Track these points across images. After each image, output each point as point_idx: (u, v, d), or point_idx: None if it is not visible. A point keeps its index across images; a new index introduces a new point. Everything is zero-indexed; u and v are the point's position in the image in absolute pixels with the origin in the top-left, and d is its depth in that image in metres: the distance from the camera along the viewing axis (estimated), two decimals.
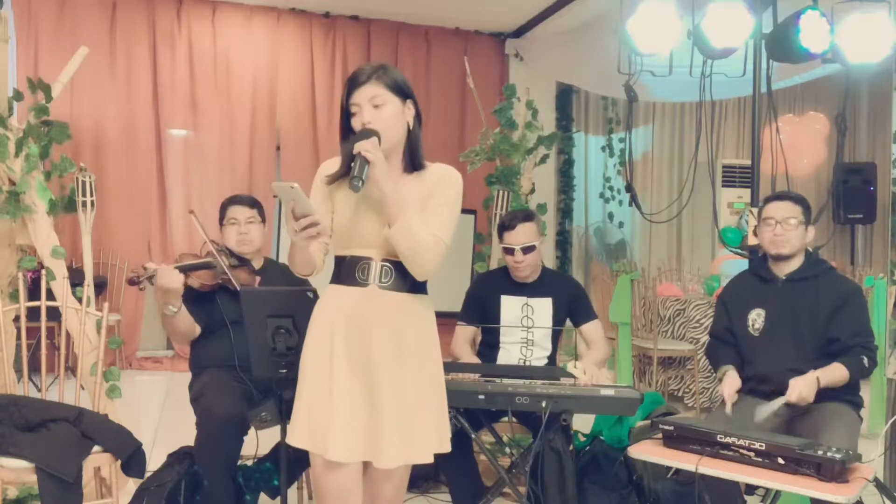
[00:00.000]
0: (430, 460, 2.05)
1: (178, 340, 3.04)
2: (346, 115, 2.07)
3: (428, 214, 2.04)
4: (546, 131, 4.39)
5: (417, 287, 2.11)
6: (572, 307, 3.21)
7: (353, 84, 2.05)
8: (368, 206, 2.06)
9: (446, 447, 2.11)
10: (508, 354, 3.16)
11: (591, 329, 3.22)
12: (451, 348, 3.23)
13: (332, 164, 2.14)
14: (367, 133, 2.00)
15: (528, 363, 3.14)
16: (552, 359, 3.21)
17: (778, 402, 2.63)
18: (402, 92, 2.08)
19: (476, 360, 3.19)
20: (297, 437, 2.05)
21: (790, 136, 7.43)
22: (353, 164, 1.95)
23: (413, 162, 2.12)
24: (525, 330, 3.15)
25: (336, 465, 2.00)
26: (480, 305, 3.23)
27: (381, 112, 2.04)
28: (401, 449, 2.00)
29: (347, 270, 2.08)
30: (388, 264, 2.06)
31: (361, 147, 1.96)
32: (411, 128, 2.12)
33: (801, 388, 2.59)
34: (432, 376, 2.11)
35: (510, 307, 3.18)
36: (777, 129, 3.70)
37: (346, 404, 1.99)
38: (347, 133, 2.07)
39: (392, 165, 2.07)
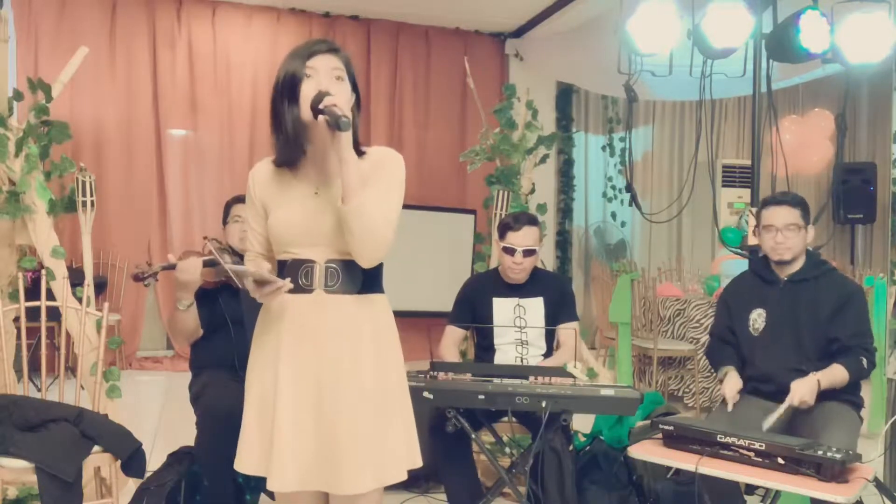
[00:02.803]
0: (405, 478, 1.88)
1: (180, 340, 3.03)
2: (289, 82, 1.83)
3: (377, 195, 1.83)
4: (546, 131, 4.39)
5: (369, 286, 1.89)
6: (556, 305, 3.20)
7: (313, 50, 1.84)
8: (308, 203, 1.87)
9: (417, 461, 1.92)
10: (504, 356, 3.16)
11: (564, 332, 3.18)
12: (438, 350, 3.23)
13: (263, 167, 1.95)
14: (326, 95, 1.79)
15: (524, 363, 3.14)
16: (549, 357, 3.21)
17: (781, 408, 2.63)
18: (353, 79, 1.90)
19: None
20: (247, 462, 1.88)
21: (797, 136, 7.44)
22: (326, 116, 1.76)
23: (354, 148, 1.87)
24: (518, 330, 3.15)
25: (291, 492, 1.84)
26: (471, 308, 3.22)
27: (342, 88, 1.84)
28: (371, 470, 1.82)
29: (289, 276, 1.86)
30: (333, 265, 1.85)
31: (332, 101, 1.77)
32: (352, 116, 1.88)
33: (803, 391, 2.59)
34: (395, 384, 1.90)
35: (502, 309, 3.17)
36: (778, 129, 3.70)
37: (289, 430, 1.81)
38: (285, 101, 1.83)
39: (329, 152, 1.87)
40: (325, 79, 1.82)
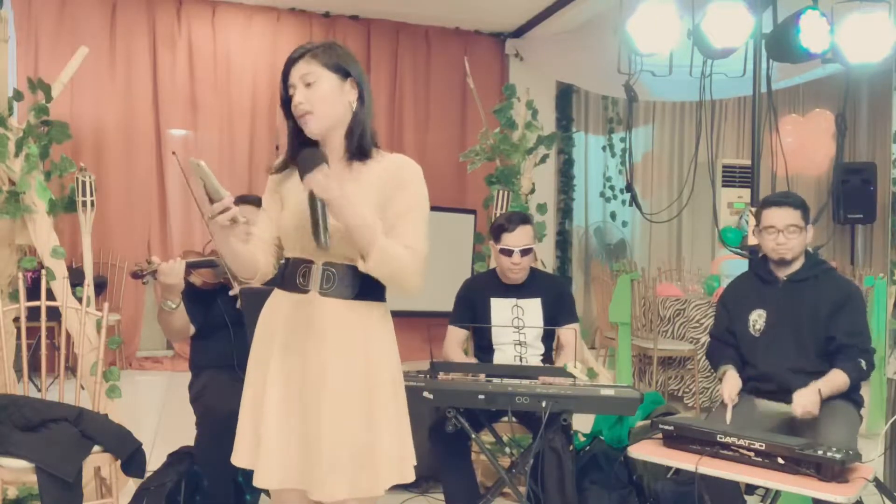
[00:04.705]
0: (382, 493, 1.85)
1: (171, 337, 3.04)
2: (284, 101, 1.91)
3: (395, 225, 1.83)
4: (546, 131, 4.39)
5: (367, 293, 1.87)
6: (555, 307, 3.21)
7: (287, 62, 1.87)
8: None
9: (408, 475, 1.89)
10: (503, 356, 3.16)
11: (566, 332, 3.18)
12: (443, 352, 3.24)
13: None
14: (314, 159, 1.75)
15: (523, 363, 3.14)
16: (547, 358, 3.21)
17: (782, 408, 2.64)
18: (341, 69, 1.86)
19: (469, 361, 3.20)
20: (240, 456, 1.91)
21: (797, 135, 7.44)
22: (312, 212, 1.76)
23: (357, 148, 1.88)
24: (516, 331, 3.15)
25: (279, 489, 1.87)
26: (471, 309, 3.23)
27: (314, 90, 1.83)
28: (347, 481, 1.79)
29: (289, 274, 1.89)
30: (330, 268, 1.85)
31: (312, 183, 1.72)
32: (355, 109, 1.88)
33: (806, 403, 2.59)
34: (386, 395, 1.86)
35: (500, 309, 3.18)
36: (777, 130, 3.70)
37: (274, 427, 1.82)
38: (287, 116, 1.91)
39: (332, 151, 1.88)
40: (300, 92, 1.85)
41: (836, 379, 2.66)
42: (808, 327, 2.77)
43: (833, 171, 4.37)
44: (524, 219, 3.17)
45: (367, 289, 1.87)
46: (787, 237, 2.78)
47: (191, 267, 2.78)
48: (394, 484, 1.87)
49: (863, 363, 2.69)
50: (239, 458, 1.91)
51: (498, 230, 3.16)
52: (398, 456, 1.87)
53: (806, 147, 7.37)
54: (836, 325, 2.74)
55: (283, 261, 1.99)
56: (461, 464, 2.95)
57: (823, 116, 7.69)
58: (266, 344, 1.90)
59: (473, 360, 3.28)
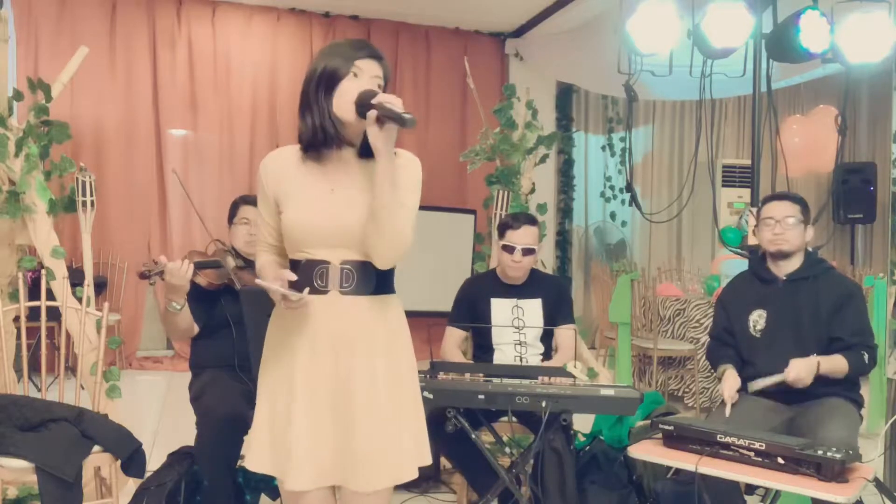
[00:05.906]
0: (416, 475, 1.88)
1: (175, 337, 3.04)
2: (330, 75, 1.83)
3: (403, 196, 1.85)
4: (546, 131, 4.39)
5: (382, 287, 1.89)
6: (555, 307, 3.21)
7: (363, 53, 1.85)
8: (323, 202, 1.85)
9: (427, 458, 1.93)
10: (503, 356, 3.17)
11: (562, 333, 3.19)
12: (441, 352, 3.24)
13: (275, 158, 1.93)
14: (375, 93, 1.78)
15: (523, 363, 3.15)
16: (547, 358, 3.21)
17: (774, 379, 2.64)
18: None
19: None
20: (259, 462, 1.89)
21: (803, 135, 7.42)
22: (381, 112, 1.73)
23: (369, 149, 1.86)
24: (517, 331, 3.15)
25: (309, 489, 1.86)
26: (471, 309, 3.23)
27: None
28: (383, 469, 1.84)
29: (304, 277, 1.83)
30: (348, 266, 1.84)
31: (388, 97, 1.75)
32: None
33: (800, 368, 2.61)
34: (408, 383, 1.92)
35: (500, 309, 3.18)
36: (777, 130, 3.71)
37: (306, 429, 1.82)
38: (320, 92, 1.83)
39: (347, 150, 1.89)
40: (366, 83, 1.83)
41: (837, 361, 2.68)
42: (809, 326, 2.77)
43: (833, 171, 4.37)
44: (530, 219, 3.19)
45: (384, 283, 1.90)
46: (784, 227, 2.79)
47: (197, 268, 2.78)
48: (419, 465, 1.90)
49: (865, 356, 2.71)
50: (256, 464, 1.89)
51: (503, 227, 3.19)
52: (418, 440, 1.92)
53: (814, 145, 7.36)
54: (839, 324, 2.74)
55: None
56: (471, 449, 2.92)
57: (827, 112, 7.67)
58: (286, 347, 1.88)
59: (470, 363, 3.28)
